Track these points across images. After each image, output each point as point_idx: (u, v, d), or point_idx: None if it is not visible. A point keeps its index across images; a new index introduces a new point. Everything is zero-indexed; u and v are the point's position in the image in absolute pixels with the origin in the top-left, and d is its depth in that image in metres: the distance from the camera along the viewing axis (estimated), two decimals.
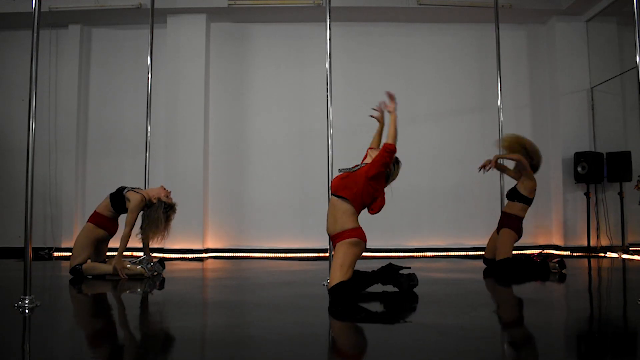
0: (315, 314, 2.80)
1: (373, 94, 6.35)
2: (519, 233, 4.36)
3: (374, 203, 3.29)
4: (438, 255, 5.93)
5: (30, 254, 2.88)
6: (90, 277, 4.01)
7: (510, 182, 5.69)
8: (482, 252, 4.74)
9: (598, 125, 6.16)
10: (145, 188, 5.00)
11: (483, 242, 4.71)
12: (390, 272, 3.32)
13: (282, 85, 6.40)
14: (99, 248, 4.16)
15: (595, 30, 6.24)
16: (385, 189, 3.36)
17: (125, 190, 4.13)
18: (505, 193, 5.07)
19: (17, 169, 6.17)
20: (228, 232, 6.25)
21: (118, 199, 4.10)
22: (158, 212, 4.06)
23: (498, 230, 4.48)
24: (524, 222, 4.45)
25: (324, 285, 3.56)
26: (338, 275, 3.10)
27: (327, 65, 4.05)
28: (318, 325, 2.59)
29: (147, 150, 5.26)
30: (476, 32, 6.44)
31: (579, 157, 5.89)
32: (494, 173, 5.37)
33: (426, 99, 6.43)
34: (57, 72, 6.45)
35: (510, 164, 4.62)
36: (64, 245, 6.08)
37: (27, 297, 2.79)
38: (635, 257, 5.47)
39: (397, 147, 3.32)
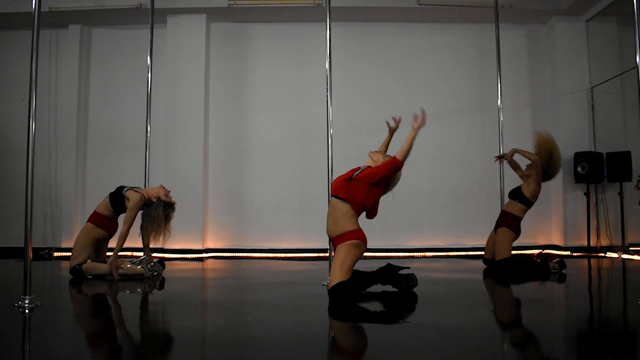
0: (315, 314, 2.80)
1: (373, 94, 6.42)
2: (517, 232, 4.37)
3: (373, 210, 3.30)
4: (438, 255, 5.93)
5: (30, 254, 2.88)
6: (90, 277, 4.01)
7: (510, 184, 5.70)
8: (482, 252, 4.74)
9: (598, 125, 6.16)
10: (145, 188, 5.00)
11: (483, 242, 4.72)
12: (389, 272, 3.32)
13: (282, 85, 6.40)
14: (98, 248, 4.15)
15: (595, 30, 6.24)
16: (386, 194, 3.35)
17: (125, 189, 4.13)
18: (504, 193, 5.10)
19: (17, 169, 6.17)
20: (228, 232, 6.25)
21: (117, 199, 4.10)
22: (158, 211, 4.06)
23: (496, 229, 4.49)
24: (524, 221, 4.46)
25: (324, 285, 3.56)
26: (338, 275, 3.10)
27: (327, 65, 4.05)
28: (318, 325, 2.59)
29: (147, 150, 5.26)
30: (476, 32, 6.44)
31: (579, 157, 5.89)
32: (494, 173, 5.39)
33: (426, 99, 6.41)
34: (57, 72, 6.45)
35: (522, 161, 4.60)
36: (64, 245, 6.08)
37: (27, 297, 2.79)
38: (635, 257, 5.47)
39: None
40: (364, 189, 3.19)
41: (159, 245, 5.66)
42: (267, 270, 4.72)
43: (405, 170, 3.47)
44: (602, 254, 5.79)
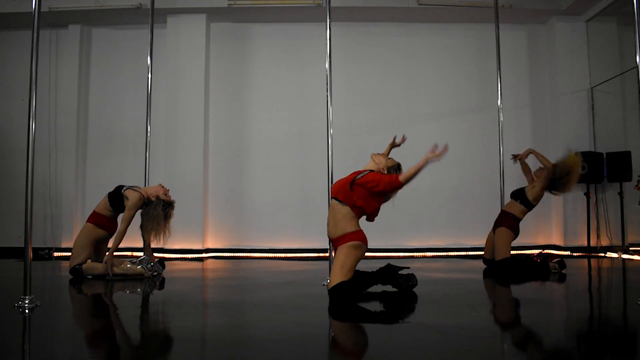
0: (315, 314, 2.80)
1: (373, 94, 6.42)
2: (515, 232, 4.37)
3: (373, 215, 3.29)
4: (438, 255, 5.93)
5: (30, 254, 2.88)
6: (90, 277, 4.01)
7: (509, 184, 5.70)
8: (482, 252, 4.74)
9: (598, 125, 6.16)
10: (144, 187, 5.00)
11: (483, 242, 4.71)
12: (389, 272, 3.32)
13: (282, 85, 6.40)
14: (98, 248, 4.15)
15: (595, 30, 6.24)
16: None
17: (124, 188, 4.13)
18: (504, 193, 5.10)
19: (17, 169, 6.17)
20: (228, 232, 6.25)
21: (116, 198, 4.10)
22: (157, 210, 4.06)
23: (494, 229, 4.49)
24: (524, 221, 4.47)
25: (324, 285, 3.56)
26: (338, 276, 3.10)
27: (327, 65, 4.05)
28: (318, 325, 2.59)
29: (147, 150, 5.26)
30: (476, 32, 6.44)
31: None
32: (494, 173, 5.39)
33: (426, 99, 6.43)
34: (57, 72, 6.45)
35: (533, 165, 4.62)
36: (64, 245, 6.08)
37: (27, 297, 2.79)
38: (635, 257, 5.47)
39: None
40: (364, 195, 3.18)
41: (159, 245, 5.67)
42: (267, 270, 4.72)
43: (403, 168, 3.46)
44: (602, 254, 5.79)
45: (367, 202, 3.19)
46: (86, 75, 6.47)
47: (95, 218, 4.14)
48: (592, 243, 5.94)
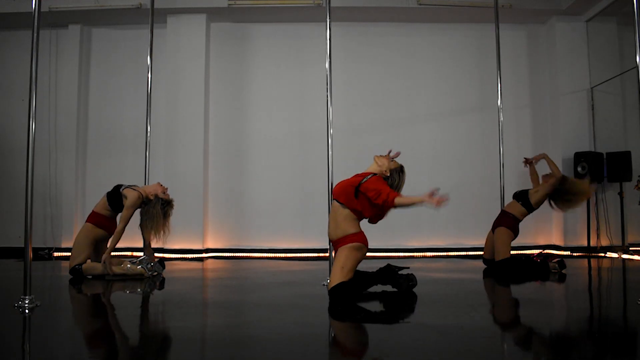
0: (315, 314, 2.80)
1: (373, 94, 6.43)
2: (515, 232, 4.37)
3: (373, 219, 3.28)
4: (438, 255, 5.93)
5: (30, 254, 2.88)
6: (90, 277, 4.01)
7: (509, 184, 5.70)
8: (482, 252, 4.74)
9: (598, 125, 6.16)
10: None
11: (483, 242, 4.71)
12: (389, 272, 3.32)
13: (282, 85, 6.40)
14: (98, 248, 4.15)
15: (595, 30, 6.24)
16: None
17: (122, 187, 4.13)
18: (504, 193, 5.10)
19: (17, 169, 6.17)
20: (228, 232, 6.25)
21: (115, 197, 4.10)
22: (156, 208, 4.06)
23: (493, 228, 4.49)
24: (524, 221, 4.48)
25: (324, 285, 3.56)
26: (338, 276, 3.10)
27: (327, 65, 4.05)
28: (318, 325, 2.59)
29: (147, 150, 5.26)
30: (476, 32, 6.44)
31: (579, 157, 5.89)
32: (494, 173, 5.39)
33: (426, 98, 6.43)
34: (57, 72, 6.45)
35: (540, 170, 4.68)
36: (64, 245, 6.08)
37: (27, 297, 2.79)
38: (635, 257, 5.47)
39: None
40: (364, 203, 3.17)
41: (159, 245, 5.67)
42: (267, 270, 4.72)
43: (406, 171, 3.45)
44: (602, 254, 5.79)
45: (366, 209, 3.19)
46: (86, 75, 6.47)
47: (94, 218, 4.14)
48: (592, 243, 5.94)
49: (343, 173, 5.52)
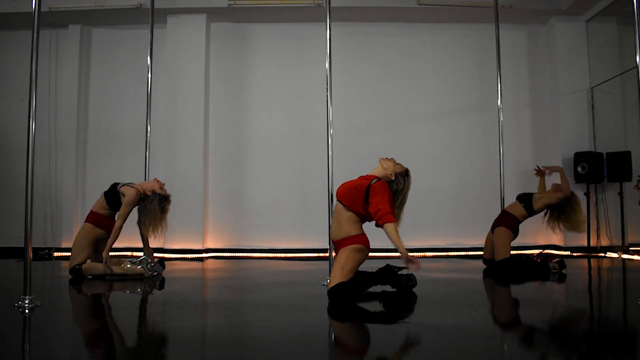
0: (315, 314, 2.80)
1: (373, 94, 6.43)
2: (515, 232, 4.37)
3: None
4: (438, 255, 5.93)
5: (30, 254, 2.88)
6: (89, 277, 4.01)
7: (509, 184, 5.70)
8: (482, 252, 4.74)
9: (598, 125, 6.16)
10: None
11: (483, 242, 4.71)
12: (388, 272, 3.32)
13: (282, 85, 6.40)
14: (98, 248, 4.15)
15: (595, 30, 6.25)
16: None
17: (119, 185, 4.13)
18: (504, 193, 5.10)
19: (17, 169, 6.17)
20: (228, 232, 6.25)
21: (113, 196, 4.10)
22: (153, 204, 4.06)
23: (493, 228, 4.49)
24: (524, 221, 4.47)
25: (324, 285, 3.56)
26: (338, 277, 3.10)
27: (327, 65, 4.05)
28: (318, 325, 2.59)
29: (147, 150, 5.26)
30: (476, 32, 6.44)
31: (579, 157, 5.89)
32: (494, 173, 5.39)
33: (426, 99, 6.44)
34: (57, 72, 6.45)
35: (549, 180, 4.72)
36: (64, 245, 6.08)
37: (27, 297, 2.79)
38: (635, 257, 5.47)
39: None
40: (366, 211, 3.16)
41: (159, 245, 5.67)
42: (267, 270, 4.72)
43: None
44: (602, 254, 5.79)
45: (368, 216, 3.19)
46: (86, 75, 6.47)
47: (93, 218, 4.13)
48: (592, 243, 5.94)
49: (343, 173, 5.51)
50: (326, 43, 4.07)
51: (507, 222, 4.38)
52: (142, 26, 6.21)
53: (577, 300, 3.40)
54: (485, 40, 6.30)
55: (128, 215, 4.06)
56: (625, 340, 2.31)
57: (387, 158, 3.35)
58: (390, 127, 6.38)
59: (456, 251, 6.07)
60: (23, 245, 2.90)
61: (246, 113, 6.39)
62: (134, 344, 2.26)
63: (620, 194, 5.88)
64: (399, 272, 3.35)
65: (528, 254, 5.08)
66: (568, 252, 5.88)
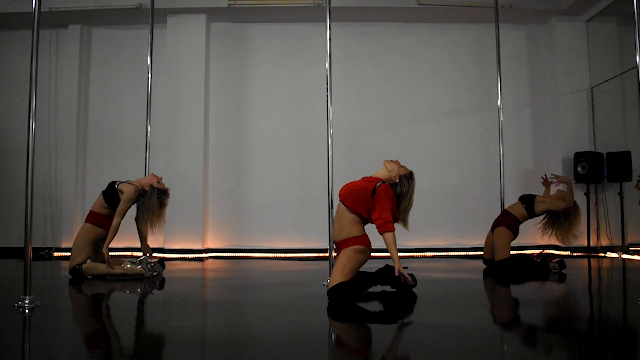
0: (315, 314, 2.80)
1: (373, 94, 6.43)
2: (515, 233, 4.37)
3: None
4: (438, 255, 5.93)
5: (30, 254, 2.88)
6: (89, 277, 4.01)
7: (509, 184, 5.70)
8: (482, 252, 4.74)
9: (598, 125, 6.16)
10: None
11: (483, 242, 4.71)
12: (388, 273, 3.32)
13: (282, 85, 6.40)
14: (98, 248, 4.14)
15: (595, 30, 6.25)
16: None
17: (117, 183, 4.13)
18: (504, 193, 5.10)
19: (17, 169, 6.17)
20: (228, 232, 6.25)
21: (111, 194, 4.09)
22: (152, 198, 4.07)
23: (493, 228, 4.49)
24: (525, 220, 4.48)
25: (324, 285, 3.56)
26: (339, 277, 3.10)
27: (327, 65, 4.05)
28: (318, 325, 2.59)
29: (147, 150, 5.26)
30: (476, 32, 6.45)
31: (579, 157, 5.89)
32: (494, 173, 5.40)
33: (426, 98, 6.44)
34: (57, 72, 6.45)
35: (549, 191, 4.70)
36: (64, 245, 6.08)
37: (27, 297, 2.79)
38: (635, 257, 5.47)
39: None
40: (369, 214, 3.16)
41: (159, 245, 5.67)
42: (267, 270, 4.72)
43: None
44: (602, 254, 5.79)
45: (372, 218, 3.19)
46: (86, 75, 6.47)
47: (93, 217, 4.13)
48: (592, 243, 5.94)
49: (343, 173, 5.51)
50: (326, 43, 4.07)
51: (508, 222, 4.38)
52: (142, 26, 6.21)
53: (577, 300, 3.40)
54: (485, 40, 6.30)
55: (126, 212, 4.06)
56: (625, 340, 2.31)
57: (391, 160, 3.33)
58: (390, 127, 6.38)
59: (456, 251, 6.07)
60: (23, 245, 2.90)
61: (246, 113, 6.39)
62: (134, 344, 2.26)
63: (620, 194, 5.88)
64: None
65: (528, 254, 5.08)
66: (568, 252, 5.88)
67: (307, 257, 5.85)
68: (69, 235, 6.05)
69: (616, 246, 5.88)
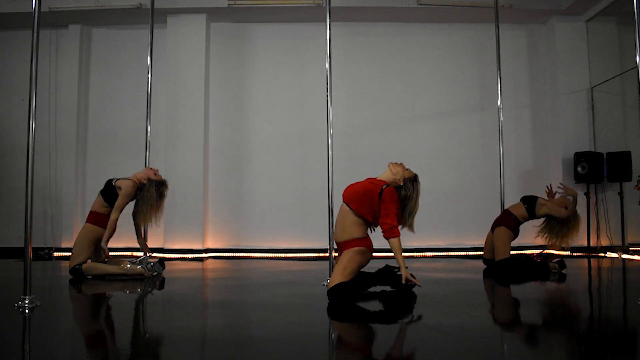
0: (315, 314, 2.80)
1: (373, 94, 6.43)
2: (515, 232, 4.37)
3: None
4: (438, 255, 5.93)
5: (30, 254, 2.87)
6: (90, 277, 4.01)
7: (509, 184, 5.70)
8: (482, 252, 4.74)
9: (598, 125, 6.17)
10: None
11: (483, 242, 4.71)
12: (387, 273, 3.32)
13: (282, 85, 6.40)
14: (98, 248, 4.14)
15: (595, 30, 6.25)
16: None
17: (114, 180, 4.13)
18: (504, 193, 5.10)
19: (17, 168, 6.17)
20: (228, 232, 6.25)
21: (109, 192, 4.09)
22: (150, 191, 4.07)
23: (493, 228, 4.49)
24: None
25: (324, 285, 3.56)
26: (339, 277, 3.10)
27: (327, 65, 4.05)
28: (318, 325, 2.59)
29: (147, 150, 5.26)
30: (476, 32, 6.45)
31: (579, 157, 5.89)
32: (494, 173, 5.40)
33: (426, 98, 6.44)
34: (57, 72, 6.45)
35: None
36: (64, 245, 6.08)
37: (27, 297, 2.79)
38: (635, 257, 5.47)
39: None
40: (376, 214, 3.16)
41: (159, 245, 5.67)
42: (267, 270, 4.72)
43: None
44: (602, 254, 5.79)
45: (376, 220, 3.19)
46: (86, 75, 6.47)
47: (93, 217, 4.13)
48: (592, 243, 5.94)
49: (343, 173, 5.51)
50: (326, 43, 4.07)
51: (508, 221, 4.38)
52: (142, 26, 6.21)
53: (577, 300, 3.40)
54: (485, 40, 6.31)
55: (124, 207, 4.06)
56: (625, 340, 2.31)
57: (396, 163, 3.31)
58: (391, 127, 6.38)
59: (456, 251, 6.07)
60: (23, 245, 2.90)
61: (246, 113, 6.39)
62: (134, 344, 2.26)
63: (620, 194, 5.88)
64: (398, 273, 3.35)
65: (528, 254, 5.08)
66: (568, 252, 5.88)
67: (307, 257, 5.85)
68: (69, 235, 6.05)
69: (616, 246, 5.88)
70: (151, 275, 4.11)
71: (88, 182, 6.32)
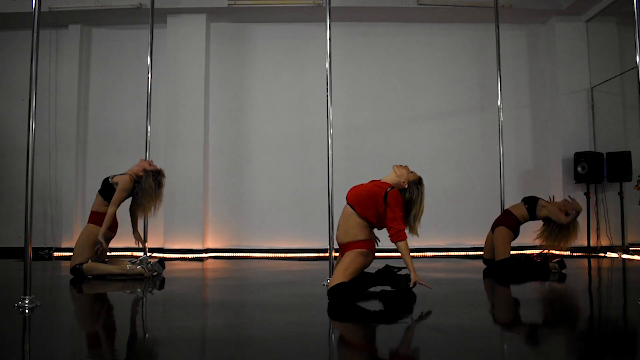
0: (315, 314, 2.80)
1: (373, 94, 6.43)
2: (515, 232, 4.37)
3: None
4: (438, 255, 5.93)
5: (30, 254, 2.87)
6: (90, 277, 4.01)
7: (509, 184, 5.69)
8: (482, 252, 4.74)
9: (598, 125, 6.17)
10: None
11: (483, 242, 4.71)
12: (388, 273, 3.32)
13: (282, 85, 6.40)
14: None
15: (595, 30, 6.25)
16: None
17: (110, 178, 4.13)
18: (504, 193, 5.10)
19: (17, 168, 6.17)
20: (228, 232, 6.25)
21: (107, 190, 4.09)
22: (148, 182, 4.07)
23: (493, 228, 4.48)
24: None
25: (324, 285, 3.56)
26: (340, 277, 3.10)
27: (327, 65, 4.05)
28: (318, 325, 2.59)
29: (147, 150, 5.26)
30: (476, 32, 6.45)
31: (579, 157, 5.89)
32: (494, 173, 5.40)
33: (426, 98, 6.44)
34: (57, 72, 6.45)
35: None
36: (64, 245, 6.08)
37: (27, 297, 2.79)
38: (635, 257, 5.47)
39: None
40: (380, 217, 3.15)
41: (159, 245, 5.67)
42: (267, 270, 4.72)
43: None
44: (602, 254, 5.79)
45: (380, 223, 3.19)
46: (86, 75, 6.47)
47: (94, 217, 4.13)
48: (592, 243, 5.94)
49: (343, 173, 5.51)
50: (326, 43, 4.07)
51: (509, 221, 4.37)
52: (142, 26, 6.21)
53: (577, 300, 3.40)
54: (485, 40, 6.31)
55: (122, 201, 4.06)
56: (625, 340, 2.31)
57: (400, 165, 3.30)
58: (391, 127, 6.38)
59: (456, 251, 6.07)
60: (23, 245, 2.90)
61: (246, 113, 6.39)
62: (134, 344, 2.26)
63: (620, 194, 5.88)
64: (398, 273, 3.35)
65: (528, 254, 5.08)
66: (568, 252, 5.87)
67: (307, 257, 5.85)
68: (69, 235, 6.06)
69: (616, 246, 5.88)
70: (151, 275, 4.11)
71: (88, 182, 6.32)
